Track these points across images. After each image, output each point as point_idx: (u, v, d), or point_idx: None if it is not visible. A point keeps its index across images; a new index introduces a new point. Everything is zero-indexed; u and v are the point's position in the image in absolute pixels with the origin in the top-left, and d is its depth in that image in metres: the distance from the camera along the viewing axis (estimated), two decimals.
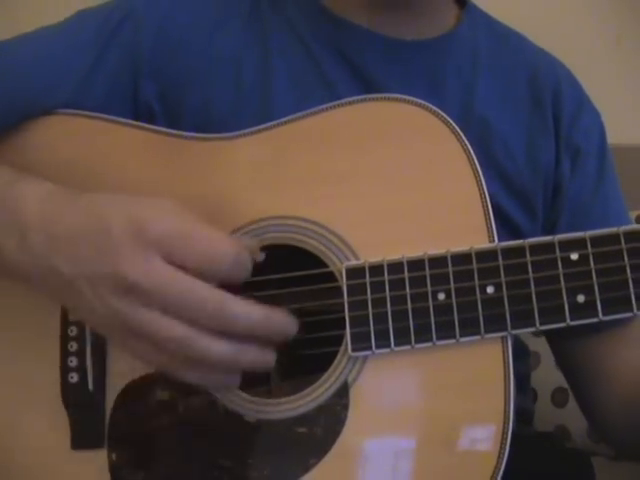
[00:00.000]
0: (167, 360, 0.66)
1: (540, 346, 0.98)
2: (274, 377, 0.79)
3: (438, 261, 0.69)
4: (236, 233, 0.75)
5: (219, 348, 0.64)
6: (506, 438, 0.66)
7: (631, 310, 0.66)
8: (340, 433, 0.69)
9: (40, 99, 0.80)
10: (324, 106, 0.76)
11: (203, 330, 0.63)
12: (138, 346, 0.66)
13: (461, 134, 0.73)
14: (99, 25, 0.83)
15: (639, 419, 0.79)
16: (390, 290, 0.69)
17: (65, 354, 0.76)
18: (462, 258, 0.69)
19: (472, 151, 0.72)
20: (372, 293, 0.70)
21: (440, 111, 0.74)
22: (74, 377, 0.76)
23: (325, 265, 0.72)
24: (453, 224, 0.71)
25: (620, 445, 0.88)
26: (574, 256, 0.67)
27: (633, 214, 1.06)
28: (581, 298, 0.67)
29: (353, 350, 0.69)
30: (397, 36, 0.84)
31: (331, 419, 0.69)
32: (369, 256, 0.71)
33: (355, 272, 0.71)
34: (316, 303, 0.73)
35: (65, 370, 0.76)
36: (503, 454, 0.66)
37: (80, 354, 0.76)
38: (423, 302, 0.69)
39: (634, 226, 0.67)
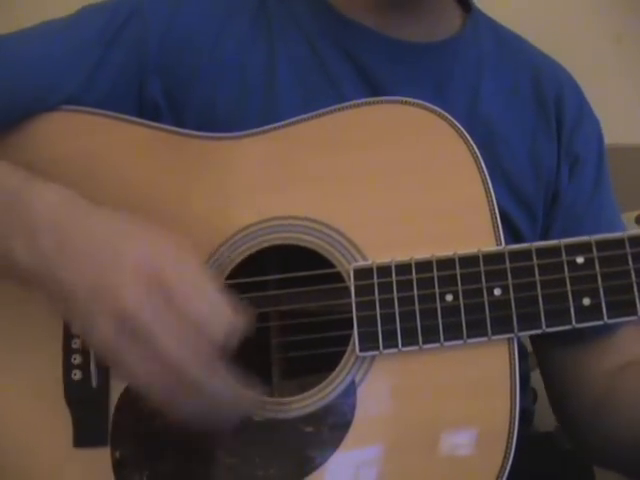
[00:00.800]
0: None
1: None
2: (276, 376, 0.79)
3: (446, 263, 0.70)
4: (240, 234, 0.75)
5: (184, 407, 0.65)
6: (512, 438, 0.67)
7: (635, 314, 0.68)
8: (347, 432, 0.69)
9: (44, 95, 0.80)
10: (331, 108, 0.77)
11: (176, 387, 0.63)
12: (116, 371, 0.67)
13: (468, 137, 0.73)
14: (105, 21, 0.82)
15: (609, 428, 0.80)
16: (398, 291, 0.70)
17: (68, 351, 0.76)
18: (470, 260, 0.70)
19: (479, 154, 0.73)
20: (380, 294, 0.70)
21: (447, 114, 0.74)
22: (77, 374, 0.75)
23: (332, 265, 0.73)
24: (460, 226, 0.72)
25: (593, 454, 0.88)
26: (580, 260, 0.68)
27: (633, 214, 1.08)
28: (587, 301, 0.68)
29: (361, 350, 0.70)
30: (403, 38, 0.85)
31: (338, 418, 0.70)
32: (376, 257, 0.72)
33: (363, 273, 0.71)
34: (323, 303, 0.74)
35: (68, 367, 0.75)
36: (509, 454, 0.66)
37: (83, 351, 0.75)
38: (431, 303, 0.69)
39: (639, 231, 0.68)
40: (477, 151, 0.73)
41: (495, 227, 0.71)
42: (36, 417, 0.75)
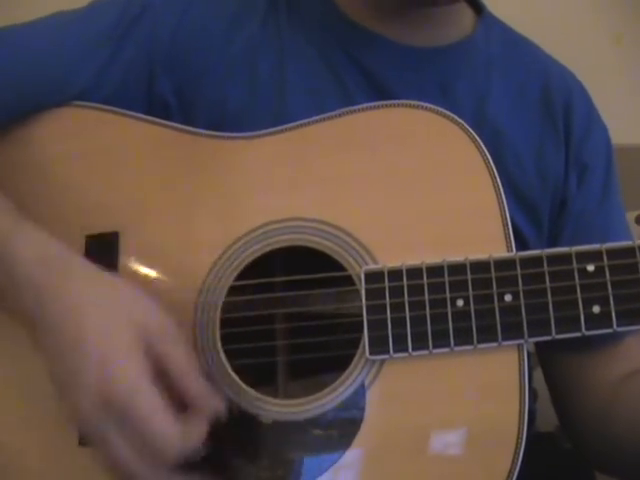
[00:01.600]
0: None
1: None
2: (282, 378, 0.79)
3: (457, 268, 0.70)
4: (250, 234, 0.75)
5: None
6: (521, 443, 0.67)
7: None
8: (356, 435, 0.69)
9: (55, 88, 0.79)
10: (342, 110, 0.77)
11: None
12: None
13: (479, 141, 0.74)
14: (117, 17, 0.82)
15: (612, 436, 0.81)
16: (409, 295, 0.70)
17: None
18: (481, 266, 0.70)
19: (490, 159, 0.73)
20: (391, 298, 0.70)
21: (458, 118, 0.75)
22: None
23: (342, 268, 0.73)
24: (471, 231, 0.72)
25: (593, 459, 0.89)
26: (590, 267, 0.69)
27: (633, 214, 1.08)
28: (596, 309, 0.68)
29: (371, 353, 0.70)
30: (411, 43, 0.84)
31: (347, 421, 0.70)
32: (387, 260, 0.72)
33: (374, 276, 0.71)
34: (332, 306, 0.74)
35: None
36: (517, 459, 0.67)
37: None
38: (441, 308, 0.70)
39: None
40: (489, 156, 0.73)
41: (506, 233, 0.71)
42: (41, 415, 0.75)
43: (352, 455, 0.69)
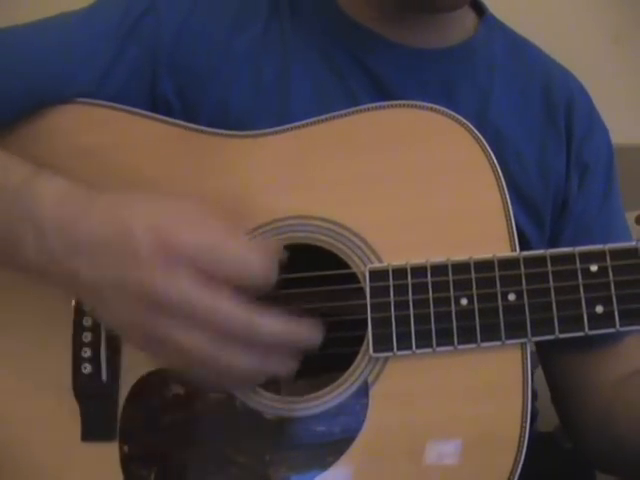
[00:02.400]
0: (189, 368, 0.66)
1: None
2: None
3: (461, 267, 0.70)
4: (255, 231, 0.75)
5: (242, 362, 0.65)
6: (523, 442, 0.67)
7: None
8: (359, 432, 0.70)
9: (58, 86, 0.79)
10: (348, 110, 0.77)
11: (229, 343, 0.64)
12: (161, 354, 0.66)
13: (483, 141, 0.74)
14: (120, 16, 0.82)
15: (613, 435, 0.81)
16: (413, 294, 0.70)
17: (79, 344, 0.75)
18: (485, 265, 0.70)
19: (495, 159, 0.74)
20: (395, 296, 0.71)
21: (463, 119, 0.75)
22: (87, 368, 0.75)
23: (346, 266, 0.73)
24: (476, 231, 0.72)
25: (594, 458, 0.89)
26: (594, 268, 0.69)
27: (633, 214, 1.09)
28: (600, 309, 0.69)
29: (375, 351, 0.70)
30: (414, 45, 0.85)
31: (350, 418, 0.70)
32: (392, 259, 0.72)
33: (378, 275, 0.71)
34: (337, 304, 0.74)
35: (78, 361, 0.75)
36: (519, 458, 0.67)
37: (94, 345, 0.75)
38: (445, 307, 0.70)
39: None
40: (493, 156, 0.74)
41: (510, 233, 0.72)
42: (44, 411, 0.75)
43: (354, 452, 0.69)
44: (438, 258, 0.71)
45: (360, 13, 0.86)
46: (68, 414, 0.75)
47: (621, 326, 0.68)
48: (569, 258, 0.70)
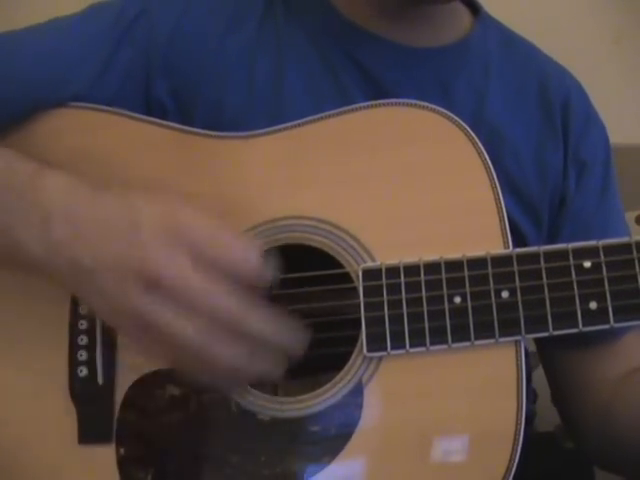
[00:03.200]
0: (179, 359, 0.67)
1: None
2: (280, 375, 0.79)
3: (454, 265, 0.70)
4: (249, 232, 0.75)
5: (228, 355, 0.65)
6: (518, 441, 0.67)
7: None
8: (353, 432, 0.69)
9: (53, 90, 0.80)
10: (341, 109, 0.77)
11: (217, 333, 0.64)
12: (152, 343, 0.66)
13: (476, 140, 0.74)
14: (113, 20, 0.82)
15: (613, 434, 0.81)
16: (406, 292, 0.70)
17: (75, 347, 0.75)
18: (478, 263, 0.70)
19: (488, 157, 0.73)
20: (388, 295, 0.71)
21: (455, 117, 0.75)
22: (83, 371, 0.75)
23: (340, 266, 0.73)
24: (468, 229, 0.72)
25: (595, 457, 0.89)
26: (587, 264, 0.69)
27: (633, 214, 1.08)
28: (593, 305, 0.68)
29: (369, 350, 0.70)
30: (409, 43, 0.85)
31: (345, 418, 0.70)
32: (384, 258, 0.72)
33: (371, 274, 0.71)
34: (330, 303, 0.74)
35: (74, 363, 0.75)
36: (515, 457, 0.67)
37: (90, 348, 0.75)
38: (439, 305, 0.70)
39: None
40: (486, 154, 0.73)
41: (503, 230, 0.72)
42: (41, 413, 0.75)
43: (350, 452, 0.69)
44: (431, 256, 0.71)
45: (355, 11, 0.86)
46: (65, 416, 0.75)
47: (615, 322, 0.68)
48: (562, 254, 0.70)
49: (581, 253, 0.69)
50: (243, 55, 0.84)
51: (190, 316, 0.64)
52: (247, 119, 0.81)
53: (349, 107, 0.77)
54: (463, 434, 0.68)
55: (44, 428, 0.75)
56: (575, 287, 0.69)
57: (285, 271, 0.74)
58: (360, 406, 0.70)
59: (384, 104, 0.77)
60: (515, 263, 0.70)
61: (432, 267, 0.71)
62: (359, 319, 0.71)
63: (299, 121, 0.77)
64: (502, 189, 0.73)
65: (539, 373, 0.88)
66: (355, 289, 0.72)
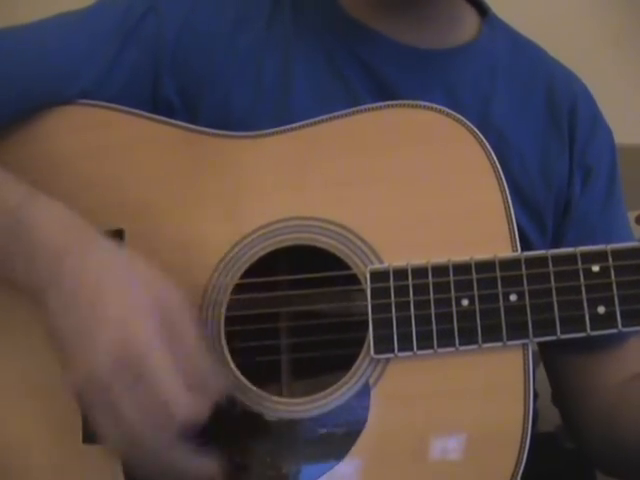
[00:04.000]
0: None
1: None
2: (286, 377, 0.79)
3: (462, 268, 0.70)
4: (256, 233, 0.75)
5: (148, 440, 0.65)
6: (525, 443, 0.67)
7: None
8: (360, 434, 0.69)
9: (58, 87, 0.79)
10: (349, 110, 0.77)
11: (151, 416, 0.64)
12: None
13: (485, 142, 0.74)
14: (122, 16, 0.82)
15: (616, 438, 0.81)
16: (414, 294, 0.70)
17: None
18: (486, 266, 0.70)
19: (496, 160, 0.73)
20: (396, 297, 0.70)
21: (464, 119, 0.75)
22: None
23: (347, 267, 0.73)
24: (477, 231, 0.72)
25: (597, 459, 0.89)
26: (595, 268, 0.69)
27: (633, 214, 1.08)
28: (601, 309, 0.68)
29: (376, 352, 0.70)
30: (416, 44, 0.85)
31: (352, 420, 0.70)
32: (392, 260, 0.72)
33: (379, 275, 0.71)
34: (337, 305, 0.74)
35: None
36: (521, 459, 0.67)
37: None
38: (446, 307, 0.70)
39: None
40: (495, 157, 0.73)
41: (512, 234, 0.72)
42: (46, 412, 0.75)
43: (356, 454, 0.69)
44: (439, 259, 0.71)
45: (362, 12, 0.85)
46: (69, 416, 0.74)
47: (623, 327, 0.68)
48: (571, 258, 0.70)
49: (589, 257, 0.69)
50: (251, 53, 0.83)
51: (136, 406, 0.63)
52: (254, 119, 0.81)
53: (357, 108, 0.77)
54: (470, 437, 0.68)
55: (49, 427, 0.75)
56: (583, 291, 0.69)
57: (292, 272, 0.75)
58: (367, 407, 0.70)
59: (393, 105, 0.77)
60: (523, 266, 0.70)
61: (440, 269, 0.70)
62: (366, 321, 0.71)
63: (307, 121, 0.77)
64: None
65: (540, 373, 0.88)
66: (362, 291, 0.72)
